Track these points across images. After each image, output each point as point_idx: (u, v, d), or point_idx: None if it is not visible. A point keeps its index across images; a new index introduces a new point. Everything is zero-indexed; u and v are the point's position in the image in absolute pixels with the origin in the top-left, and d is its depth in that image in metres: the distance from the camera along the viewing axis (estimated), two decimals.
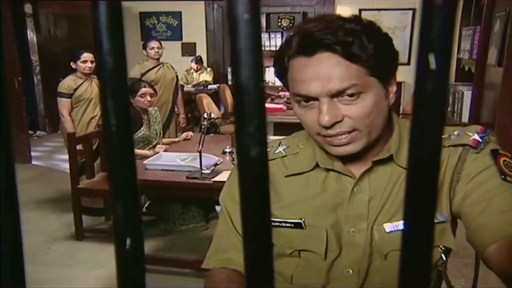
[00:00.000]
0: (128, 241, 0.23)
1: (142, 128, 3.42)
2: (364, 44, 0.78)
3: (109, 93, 0.21)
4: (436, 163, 0.20)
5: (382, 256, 0.86)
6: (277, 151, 0.97)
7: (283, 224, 0.91)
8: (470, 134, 0.85)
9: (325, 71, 0.78)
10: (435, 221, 0.83)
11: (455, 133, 0.88)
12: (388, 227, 0.85)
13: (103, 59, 0.21)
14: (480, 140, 0.84)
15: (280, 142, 0.99)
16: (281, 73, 0.88)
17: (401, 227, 0.82)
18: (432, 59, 0.19)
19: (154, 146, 3.51)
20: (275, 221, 0.91)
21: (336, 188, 0.89)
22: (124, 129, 0.22)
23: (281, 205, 0.92)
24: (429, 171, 0.20)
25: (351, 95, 0.79)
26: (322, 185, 0.91)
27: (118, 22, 0.21)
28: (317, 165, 0.91)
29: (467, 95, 3.28)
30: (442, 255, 0.85)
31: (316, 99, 0.81)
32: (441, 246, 0.85)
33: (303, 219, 0.90)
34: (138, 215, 0.23)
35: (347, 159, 0.90)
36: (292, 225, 0.90)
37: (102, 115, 0.22)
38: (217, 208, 3.59)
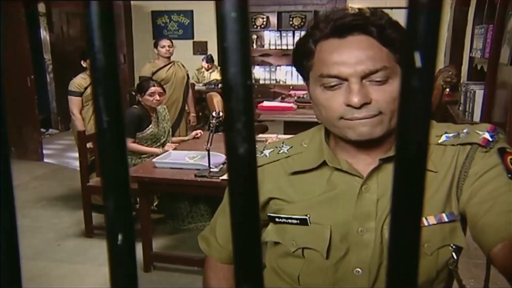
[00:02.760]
0: (120, 237, 0.23)
1: (150, 126, 3.45)
2: (393, 31, 0.82)
3: (101, 90, 0.22)
4: (422, 159, 0.20)
5: None
6: (281, 151, 0.96)
7: (289, 221, 0.92)
8: (480, 132, 0.84)
9: (359, 52, 0.81)
10: (446, 220, 0.83)
11: (464, 131, 0.86)
12: None
13: (94, 56, 0.21)
14: (491, 139, 0.83)
15: (283, 142, 0.98)
16: (304, 58, 0.88)
17: None
18: (417, 57, 0.19)
19: (162, 144, 3.54)
20: (281, 217, 0.93)
21: (343, 187, 0.89)
22: (116, 125, 0.22)
23: (288, 203, 0.93)
24: (416, 168, 0.20)
25: (380, 78, 0.81)
26: (328, 183, 0.90)
27: (109, 20, 0.21)
28: (323, 163, 0.91)
29: (479, 94, 3.24)
30: (453, 253, 0.85)
31: (345, 80, 0.82)
32: (452, 245, 0.84)
33: (308, 215, 0.90)
34: (130, 210, 0.24)
35: (354, 156, 0.89)
36: (298, 221, 0.91)
37: (94, 112, 0.22)
38: None
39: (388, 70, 0.81)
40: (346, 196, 0.88)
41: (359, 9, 0.84)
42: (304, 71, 0.90)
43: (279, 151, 0.97)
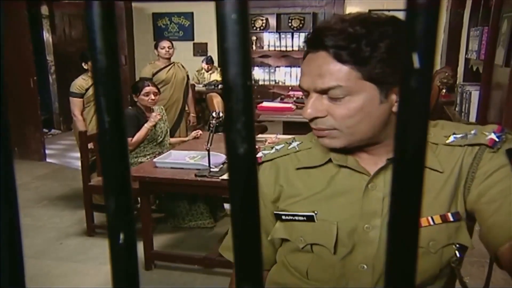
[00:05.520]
0: (121, 236, 0.23)
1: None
2: (361, 48, 0.78)
3: (102, 90, 0.22)
4: (421, 159, 0.20)
5: None
6: (291, 146, 0.99)
7: (296, 218, 0.93)
8: (487, 133, 0.85)
9: (318, 68, 0.83)
10: (451, 219, 0.84)
11: (472, 132, 0.87)
12: None
13: (96, 57, 0.22)
14: (497, 139, 0.83)
15: (294, 138, 1.01)
16: None
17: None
18: (415, 58, 0.19)
19: (159, 144, 3.55)
20: (288, 215, 0.94)
21: (349, 184, 0.90)
22: (117, 125, 0.22)
23: (294, 199, 0.95)
24: (414, 167, 0.20)
25: (335, 96, 0.82)
26: (335, 180, 0.92)
27: (110, 21, 0.21)
28: (329, 161, 0.93)
29: (475, 95, 3.25)
30: (457, 252, 0.86)
31: (308, 92, 0.86)
32: (456, 244, 0.85)
33: (315, 212, 0.91)
34: (131, 210, 0.24)
35: (359, 155, 0.91)
36: (305, 218, 0.92)
37: (96, 112, 0.22)
38: (226, 206, 3.61)
39: (344, 88, 0.80)
40: (352, 193, 0.89)
41: (339, 20, 0.82)
42: None
43: (289, 146, 0.99)
